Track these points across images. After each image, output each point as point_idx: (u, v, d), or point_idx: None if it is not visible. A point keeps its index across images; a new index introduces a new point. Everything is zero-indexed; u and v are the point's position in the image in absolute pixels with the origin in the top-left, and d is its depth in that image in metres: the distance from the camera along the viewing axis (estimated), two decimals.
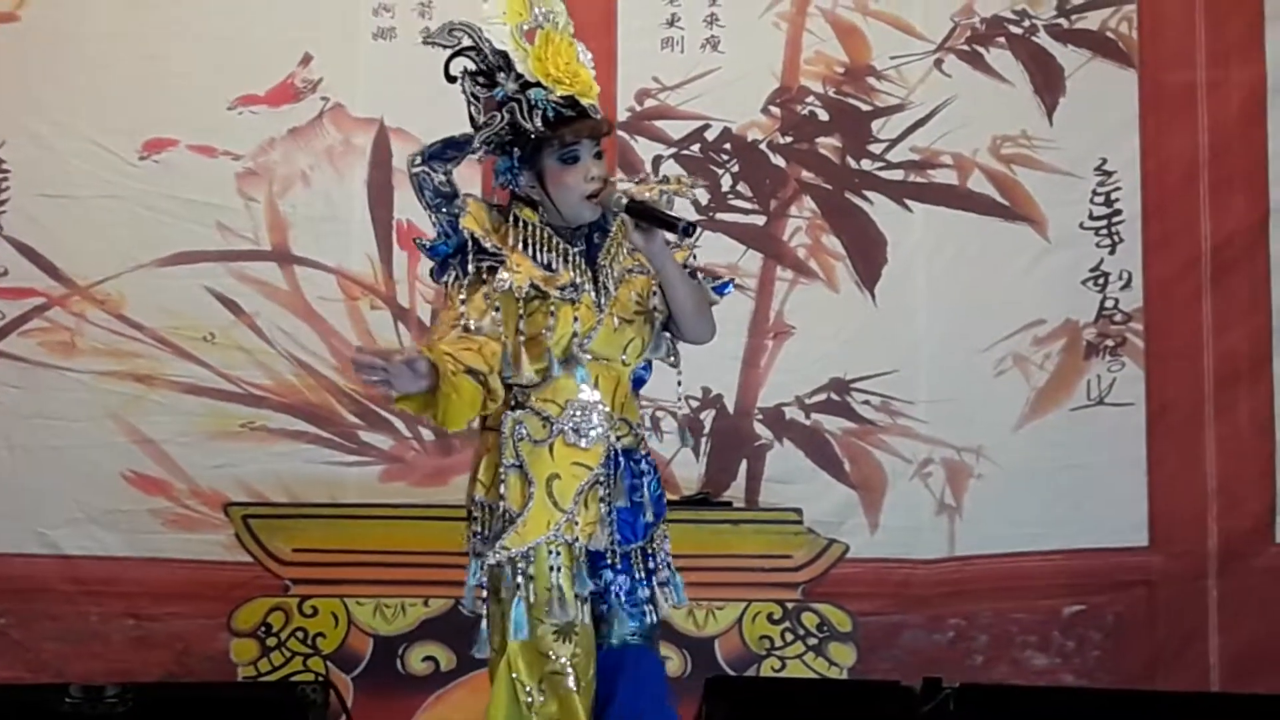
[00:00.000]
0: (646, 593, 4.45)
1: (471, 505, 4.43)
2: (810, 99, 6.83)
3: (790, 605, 6.35)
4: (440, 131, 6.45)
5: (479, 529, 4.39)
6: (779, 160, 6.81)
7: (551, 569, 4.32)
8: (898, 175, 6.81)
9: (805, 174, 6.81)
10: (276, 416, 6.62)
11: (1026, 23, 6.84)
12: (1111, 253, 6.78)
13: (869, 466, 6.73)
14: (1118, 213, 6.78)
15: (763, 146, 6.80)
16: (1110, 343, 6.77)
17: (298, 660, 6.26)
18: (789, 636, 6.34)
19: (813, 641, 6.36)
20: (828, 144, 6.80)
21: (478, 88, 4.37)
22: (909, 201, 6.80)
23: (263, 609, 6.28)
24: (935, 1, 6.84)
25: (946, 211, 6.80)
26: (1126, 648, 6.69)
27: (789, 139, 6.81)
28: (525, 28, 4.34)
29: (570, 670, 4.31)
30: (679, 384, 4.50)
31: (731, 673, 6.23)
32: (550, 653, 4.31)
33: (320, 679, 5.96)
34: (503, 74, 4.34)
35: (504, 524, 4.33)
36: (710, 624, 6.30)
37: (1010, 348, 6.75)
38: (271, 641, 6.27)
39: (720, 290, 4.57)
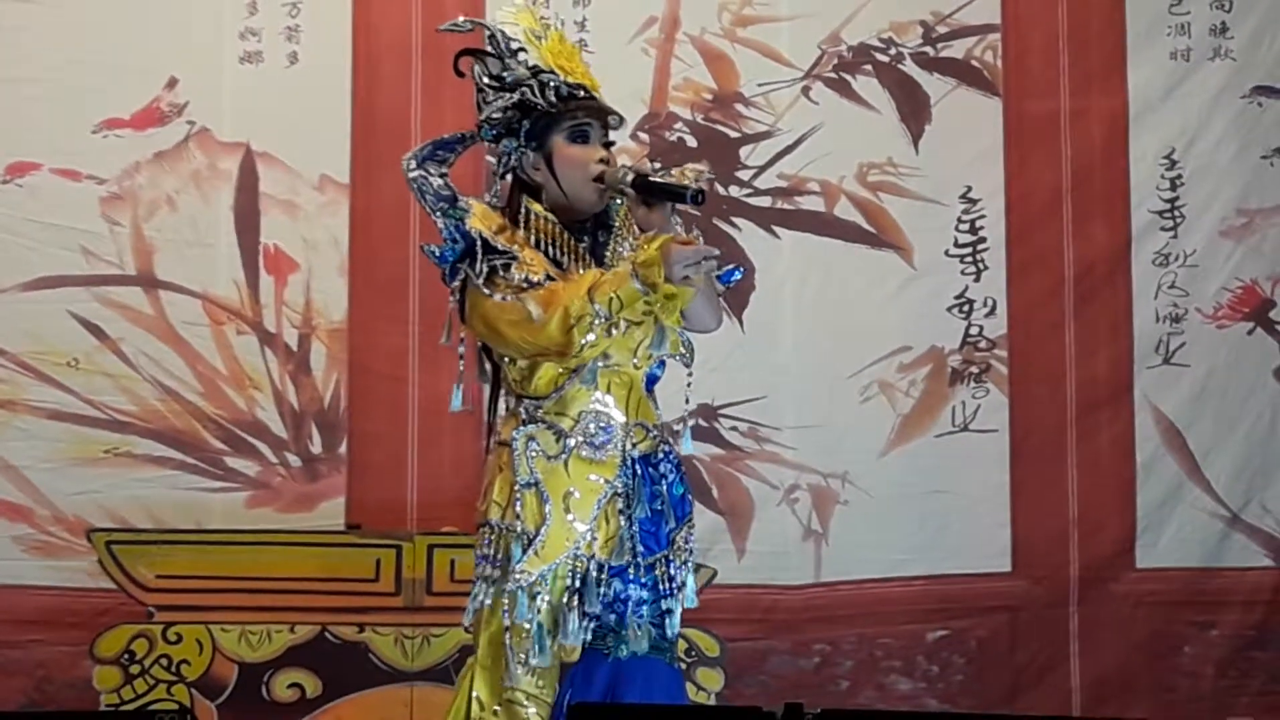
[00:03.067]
0: (670, 604, 4.35)
1: (484, 527, 4.31)
2: (678, 125, 6.84)
3: None
4: (307, 156, 6.64)
5: (490, 552, 4.28)
6: None
7: (567, 590, 4.24)
8: (765, 202, 6.83)
9: None
10: (141, 442, 6.56)
11: (893, 51, 6.88)
12: (976, 280, 6.83)
13: (736, 492, 6.74)
14: (982, 240, 6.83)
15: None
16: (975, 369, 6.82)
17: (161, 688, 6.17)
18: None
19: (680, 666, 6.35)
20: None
21: (488, 81, 4.32)
22: (776, 228, 6.83)
23: (126, 636, 6.19)
24: (803, 29, 6.85)
25: (813, 238, 6.83)
26: (989, 672, 6.73)
27: (657, 165, 6.78)
28: (537, 35, 4.33)
29: (529, 704, 4.27)
30: (688, 385, 4.43)
31: None
32: (514, 681, 4.25)
33: (180, 707, 5.91)
34: (514, 60, 4.31)
35: (521, 546, 4.24)
36: None
37: (876, 374, 6.78)
38: (135, 669, 6.19)
39: (726, 279, 4.44)
